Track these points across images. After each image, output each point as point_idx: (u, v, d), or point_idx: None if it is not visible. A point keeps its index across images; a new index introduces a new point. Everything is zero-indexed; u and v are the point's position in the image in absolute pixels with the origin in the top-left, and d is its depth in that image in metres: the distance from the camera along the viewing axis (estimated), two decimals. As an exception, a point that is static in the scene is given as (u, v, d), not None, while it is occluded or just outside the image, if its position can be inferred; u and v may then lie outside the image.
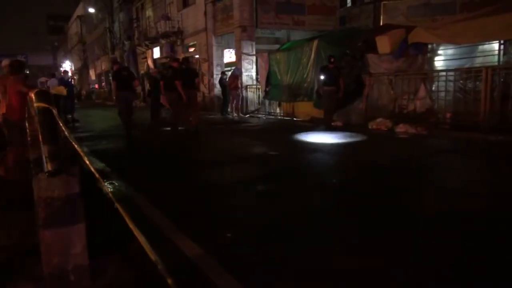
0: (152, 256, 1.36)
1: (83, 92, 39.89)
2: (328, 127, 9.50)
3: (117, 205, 1.61)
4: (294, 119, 12.16)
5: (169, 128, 9.74)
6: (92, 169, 1.81)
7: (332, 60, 9.30)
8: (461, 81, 8.28)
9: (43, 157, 1.97)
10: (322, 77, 9.53)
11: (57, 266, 2.04)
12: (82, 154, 1.80)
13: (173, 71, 9.28)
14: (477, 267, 2.45)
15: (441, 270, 2.42)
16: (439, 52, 9.70)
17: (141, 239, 1.42)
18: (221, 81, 15.29)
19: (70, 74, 24.41)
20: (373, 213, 3.49)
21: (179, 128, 9.54)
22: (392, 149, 7.18)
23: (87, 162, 1.83)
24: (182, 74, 9.13)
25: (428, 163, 5.78)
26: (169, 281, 1.29)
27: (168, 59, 20.69)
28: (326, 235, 3.05)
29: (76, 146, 1.85)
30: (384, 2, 14.31)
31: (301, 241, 2.93)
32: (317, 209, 3.70)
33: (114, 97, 9.47)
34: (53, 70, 36.12)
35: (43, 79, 13.79)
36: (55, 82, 12.98)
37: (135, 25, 26.43)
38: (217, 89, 15.94)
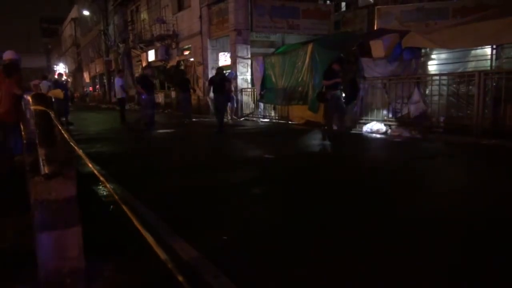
0: (161, 254, 1.36)
1: (77, 94, 39.63)
2: (330, 133, 8.41)
3: (123, 207, 1.61)
4: (289, 122, 12.20)
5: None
6: (96, 172, 1.81)
7: (343, 61, 8.59)
8: (454, 85, 8.37)
9: (40, 159, 1.97)
10: (328, 80, 8.25)
11: (53, 269, 2.02)
12: (83, 156, 1.80)
13: (221, 76, 10.69)
14: (475, 267, 2.48)
15: (441, 270, 2.44)
16: (433, 56, 9.79)
17: (149, 238, 1.42)
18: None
19: (64, 76, 24.26)
20: (371, 214, 3.51)
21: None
22: (386, 153, 7.23)
23: (90, 165, 1.82)
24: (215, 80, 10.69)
25: (423, 166, 5.81)
26: (180, 278, 1.30)
27: (163, 62, 20.68)
28: (325, 236, 3.06)
29: (76, 148, 1.84)
30: (378, 6, 14.41)
31: (299, 243, 2.94)
32: (315, 211, 3.71)
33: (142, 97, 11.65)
34: (46, 72, 35.81)
35: (36, 81, 13.67)
36: (47, 84, 12.91)
37: (129, 27, 26.36)
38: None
